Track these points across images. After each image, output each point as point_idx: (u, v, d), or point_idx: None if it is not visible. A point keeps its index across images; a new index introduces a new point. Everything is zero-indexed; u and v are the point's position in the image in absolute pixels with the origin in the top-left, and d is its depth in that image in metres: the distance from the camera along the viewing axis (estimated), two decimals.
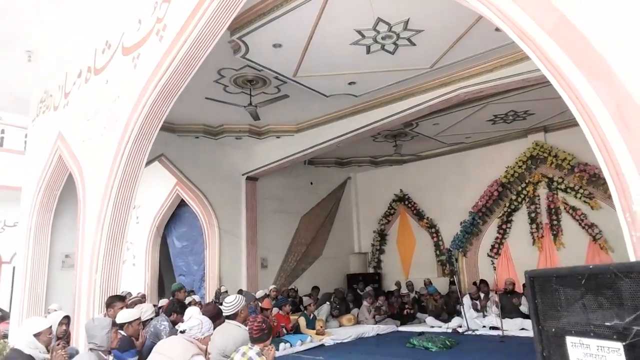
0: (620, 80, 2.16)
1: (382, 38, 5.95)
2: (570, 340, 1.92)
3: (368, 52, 6.29)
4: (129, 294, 7.67)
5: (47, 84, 7.88)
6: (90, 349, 3.59)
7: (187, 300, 6.96)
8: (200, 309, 5.40)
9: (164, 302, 7.68)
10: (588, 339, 1.83)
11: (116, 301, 5.28)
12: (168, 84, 5.26)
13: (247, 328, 4.37)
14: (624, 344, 1.66)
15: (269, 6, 5.35)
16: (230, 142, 9.96)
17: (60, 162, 7.00)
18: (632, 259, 2.08)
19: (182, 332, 3.59)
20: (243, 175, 10.56)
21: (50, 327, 3.92)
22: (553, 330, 2.02)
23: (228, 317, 4.41)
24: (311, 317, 7.78)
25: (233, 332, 4.24)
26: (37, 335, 3.80)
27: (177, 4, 5.12)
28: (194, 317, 3.68)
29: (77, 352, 4.29)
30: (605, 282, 1.76)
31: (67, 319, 4.52)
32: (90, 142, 6.21)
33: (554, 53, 2.40)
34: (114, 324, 3.73)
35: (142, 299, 6.85)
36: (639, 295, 1.61)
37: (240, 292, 8.90)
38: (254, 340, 3.63)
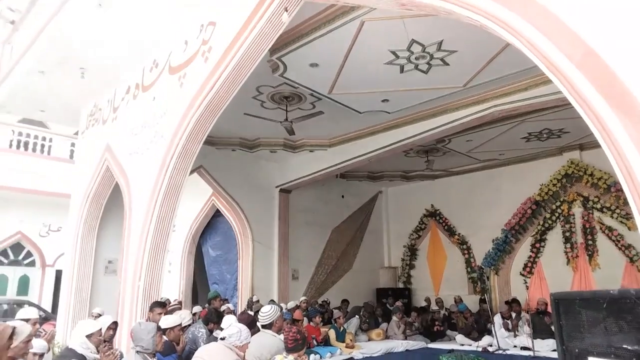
0: None
1: (416, 58, 6.12)
2: None
3: (402, 71, 6.47)
4: (168, 300, 7.99)
5: (97, 98, 8.40)
6: (137, 352, 3.86)
7: (222, 308, 7.21)
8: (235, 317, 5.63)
9: (197, 309, 7.97)
10: (609, 359, 1.93)
11: (156, 307, 5.58)
12: (212, 103, 5.58)
13: (281, 337, 4.61)
14: None
15: (308, 28, 5.62)
16: (265, 155, 10.27)
17: (107, 173, 7.44)
18: None
19: (222, 339, 3.80)
20: (276, 187, 10.84)
21: (100, 329, 4.22)
22: (576, 350, 2.12)
23: (263, 327, 4.61)
24: (341, 329, 7.90)
25: (268, 340, 4.44)
26: (88, 336, 4.10)
27: (222, 27, 5.45)
28: (233, 325, 3.89)
29: (121, 354, 4.57)
30: (625, 306, 1.86)
31: (114, 325, 4.83)
32: (136, 155, 6.60)
33: (581, 84, 2.52)
34: (158, 328, 3.98)
35: (179, 306, 7.13)
36: None
37: (271, 302, 9.12)
38: (289, 350, 3.80)
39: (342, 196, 12.22)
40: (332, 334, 7.68)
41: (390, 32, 5.54)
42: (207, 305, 8.43)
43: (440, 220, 11.89)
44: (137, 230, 6.26)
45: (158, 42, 6.52)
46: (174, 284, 12.41)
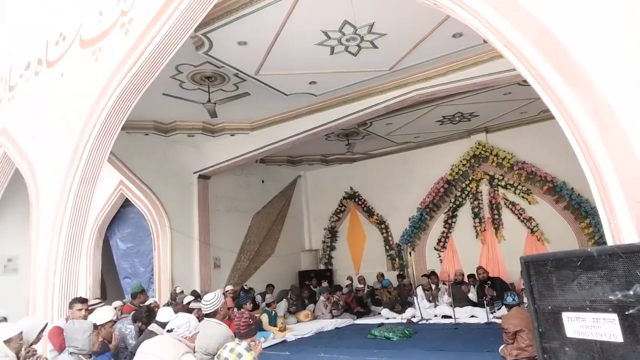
0: (597, 87, 2.47)
1: (347, 40, 6.14)
2: (566, 315, 2.19)
3: (332, 52, 6.45)
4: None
5: None
6: (71, 353, 3.47)
7: (149, 302, 6.78)
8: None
9: (117, 304, 7.45)
10: (584, 313, 2.10)
11: (76, 303, 5.06)
12: (134, 79, 5.13)
13: (225, 326, 4.44)
14: (618, 314, 1.94)
15: (238, 3, 5.35)
16: (182, 139, 9.73)
17: (5, 159, 6.54)
18: (610, 243, 2.38)
19: (169, 331, 3.55)
20: (195, 173, 10.35)
21: (21, 332, 3.73)
22: (549, 308, 2.28)
23: (207, 315, 4.39)
24: (273, 314, 7.84)
25: (214, 329, 4.23)
26: (7, 342, 3.61)
27: None
28: (181, 315, 3.65)
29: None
30: (599, 262, 2.03)
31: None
32: (42, 138, 5.87)
33: (537, 61, 2.68)
34: (94, 326, 3.61)
35: (102, 303, 6.55)
36: (632, 272, 1.89)
37: (194, 292, 8.76)
38: (242, 336, 3.67)
39: (262, 181, 12.05)
40: (264, 318, 7.59)
41: (324, 11, 5.47)
42: (127, 300, 7.88)
43: (359, 202, 12.24)
44: (47, 222, 5.61)
45: (65, 13, 5.83)
46: (80, 280, 11.39)
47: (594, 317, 2.04)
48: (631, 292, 1.87)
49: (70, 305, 5.04)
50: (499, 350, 5.22)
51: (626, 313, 1.88)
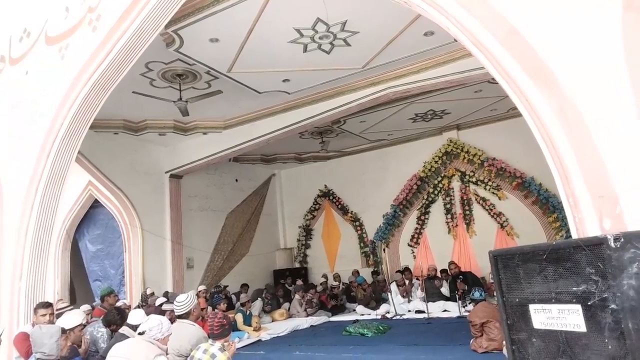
0: (562, 85, 2.54)
1: (320, 38, 6.14)
2: (533, 307, 2.25)
3: (305, 50, 6.45)
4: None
5: None
6: (38, 359, 3.37)
7: (118, 304, 6.64)
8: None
9: (85, 307, 7.30)
10: (550, 304, 2.16)
11: (40, 308, 4.90)
12: (102, 77, 5.01)
13: (198, 327, 4.39)
14: (582, 305, 2.00)
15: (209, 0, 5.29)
16: (153, 138, 9.56)
17: None
18: (575, 236, 2.46)
19: (141, 333, 3.49)
20: (166, 173, 10.19)
21: None
22: (517, 300, 2.34)
23: (180, 317, 4.33)
24: (248, 313, 7.81)
25: (187, 330, 4.18)
26: None
27: None
28: (152, 317, 3.59)
29: None
30: (564, 255, 2.09)
31: None
32: (8, 138, 5.68)
33: (505, 60, 2.74)
34: (62, 331, 3.52)
35: (71, 306, 6.39)
36: (594, 264, 1.95)
37: (166, 294, 8.64)
38: (215, 337, 3.64)
39: (236, 180, 11.96)
40: (239, 318, 7.55)
41: (297, 9, 5.46)
42: (97, 303, 7.71)
43: (334, 200, 12.29)
44: (12, 224, 5.43)
45: (29, 8, 5.64)
46: (48, 284, 11.06)
47: (559, 309, 2.10)
48: (593, 284, 1.93)
49: (35, 311, 4.90)
50: (470, 345, 5.34)
51: (589, 303, 1.95)
